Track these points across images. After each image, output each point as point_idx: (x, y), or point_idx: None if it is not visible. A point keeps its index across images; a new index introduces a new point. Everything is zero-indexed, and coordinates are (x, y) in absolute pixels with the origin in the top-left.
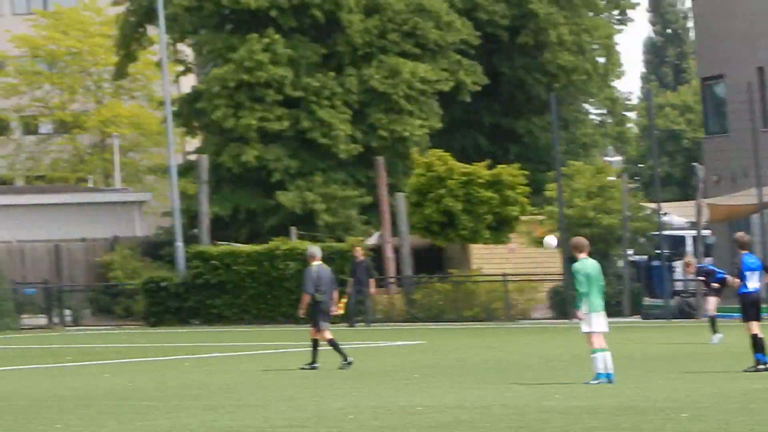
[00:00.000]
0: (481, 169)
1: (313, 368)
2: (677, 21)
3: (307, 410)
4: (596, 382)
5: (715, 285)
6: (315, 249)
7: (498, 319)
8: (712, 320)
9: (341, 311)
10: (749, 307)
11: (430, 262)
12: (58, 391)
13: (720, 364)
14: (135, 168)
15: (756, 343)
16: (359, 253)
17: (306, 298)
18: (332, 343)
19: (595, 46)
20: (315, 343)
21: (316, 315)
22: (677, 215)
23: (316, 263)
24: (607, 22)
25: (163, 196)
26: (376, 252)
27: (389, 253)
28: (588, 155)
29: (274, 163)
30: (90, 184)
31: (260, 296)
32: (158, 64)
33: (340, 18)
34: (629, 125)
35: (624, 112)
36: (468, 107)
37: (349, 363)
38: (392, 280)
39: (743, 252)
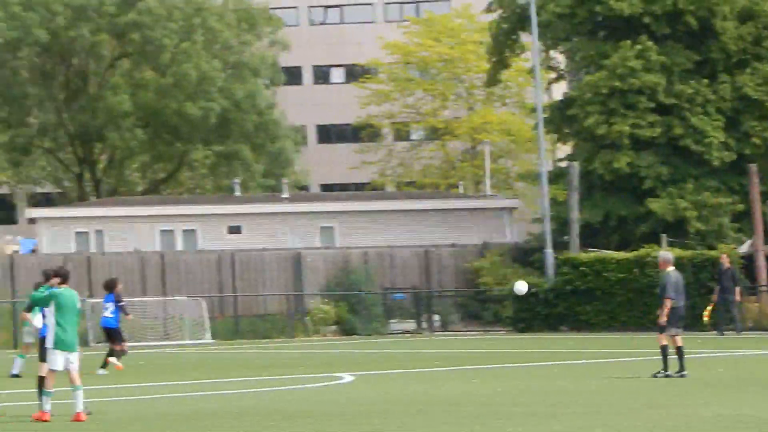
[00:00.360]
0: None
1: (667, 376)
2: None
3: (677, 419)
4: None
5: None
6: (669, 255)
7: None
8: None
9: (707, 318)
10: None
11: None
12: (426, 396)
13: None
14: (505, 175)
15: None
16: (725, 261)
17: (668, 303)
18: (680, 351)
19: None
20: (664, 350)
21: (669, 321)
22: None
23: (672, 269)
24: None
25: (533, 202)
26: (747, 260)
27: (761, 262)
28: None
29: (645, 170)
30: (460, 191)
31: (630, 303)
32: (530, 71)
33: (714, 25)
34: None
35: None
36: None
37: (683, 376)
38: (764, 288)
39: None
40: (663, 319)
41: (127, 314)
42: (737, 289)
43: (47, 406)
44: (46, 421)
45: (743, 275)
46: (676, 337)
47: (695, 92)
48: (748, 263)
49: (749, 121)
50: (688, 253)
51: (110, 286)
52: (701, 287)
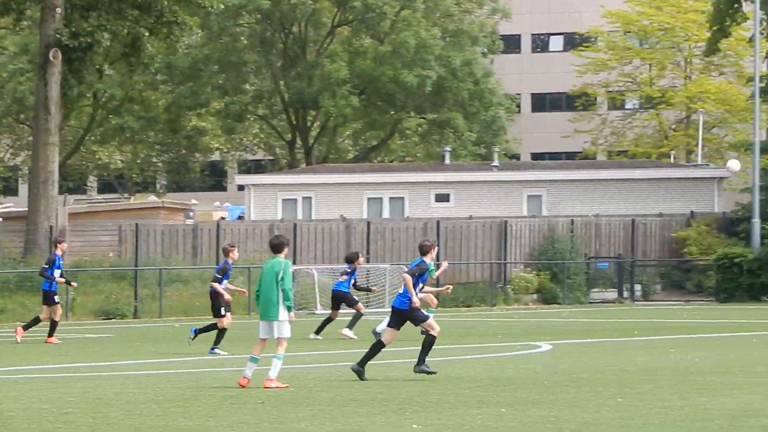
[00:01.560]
0: None
1: None
2: None
3: None
4: None
5: None
6: None
7: None
8: None
9: None
10: None
11: None
12: (622, 365)
13: None
14: (717, 144)
15: None
16: None
17: None
18: None
19: None
20: None
21: None
22: None
23: None
24: None
25: (744, 172)
26: None
27: None
28: None
29: None
30: (671, 160)
31: None
32: (750, 40)
33: None
34: None
35: None
36: None
37: None
38: None
39: None
40: None
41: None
42: None
43: (248, 372)
44: (242, 386)
45: None
46: None
47: None
48: None
49: None
50: None
51: (350, 260)
52: None
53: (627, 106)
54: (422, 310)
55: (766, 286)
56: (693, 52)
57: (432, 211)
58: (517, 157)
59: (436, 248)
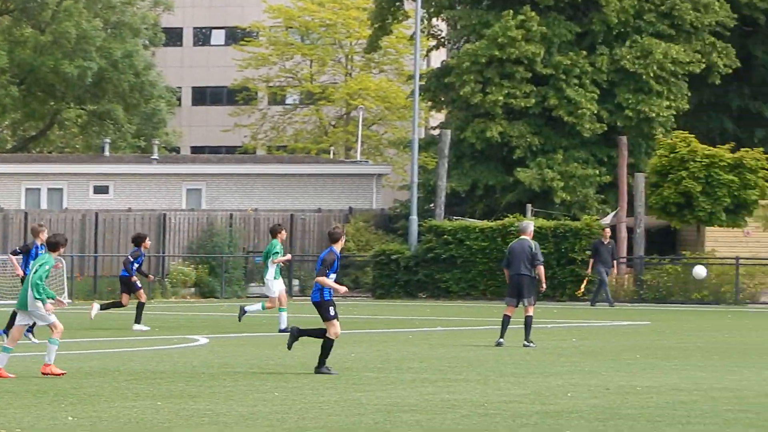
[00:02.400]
0: (723, 152)
1: (498, 344)
2: None
3: (526, 387)
4: None
5: None
6: (523, 224)
7: (726, 302)
8: None
9: (581, 292)
10: None
11: (663, 243)
12: (279, 360)
13: None
14: (377, 141)
15: None
16: (607, 235)
17: (506, 273)
18: (527, 321)
19: None
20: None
21: (508, 290)
22: None
23: (520, 238)
24: None
25: (403, 169)
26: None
27: (623, 233)
28: None
29: (516, 139)
30: (331, 156)
31: (490, 272)
32: (411, 38)
33: None
34: None
35: None
36: (717, 90)
37: (527, 346)
38: (624, 260)
39: None
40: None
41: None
42: (615, 263)
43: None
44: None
45: None
46: (528, 307)
47: (572, 63)
48: (611, 235)
49: (624, 93)
50: (551, 223)
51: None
52: (561, 257)
53: (288, 102)
54: (331, 309)
55: (423, 283)
56: (354, 49)
57: (91, 203)
58: (177, 150)
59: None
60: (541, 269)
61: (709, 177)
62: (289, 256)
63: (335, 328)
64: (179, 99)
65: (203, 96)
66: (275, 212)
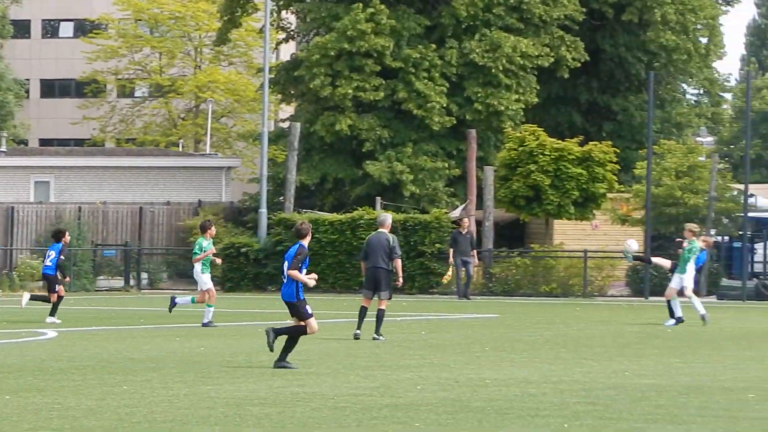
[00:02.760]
0: (572, 146)
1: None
2: None
3: (376, 380)
4: None
5: None
6: (381, 217)
7: (574, 295)
8: None
9: (446, 280)
10: None
11: (513, 236)
12: (128, 354)
13: None
14: (226, 134)
15: None
16: (466, 225)
17: (362, 266)
18: (378, 314)
19: (698, 26)
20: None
21: (363, 283)
22: (764, 197)
23: (378, 231)
24: (713, 2)
25: (252, 162)
26: (457, 224)
27: (472, 226)
28: (681, 135)
29: (366, 132)
30: (180, 149)
31: (339, 265)
32: (260, 31)
33: None
34: (725, 106)
35: (721, 93)
36: (566, 83)
37: (376, 339)
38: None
39: None
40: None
41: None
42: (474, 253)
43: None
44: None
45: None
46: (382, 300)
47: (422, 57)
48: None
49: (473, 87)
50: (401, 216)
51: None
52: (411, 250)
53: (137, 94)
54: (308, 307)
55: (272, 276)
56: (203, 41)
57: None
58: (25, 142)
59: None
60: (398, 263)
61: (557, 170)
62: (213, 250)
63: (314, 325)
64: (27, 91)
65: (52, 88)
66: (124, 205)
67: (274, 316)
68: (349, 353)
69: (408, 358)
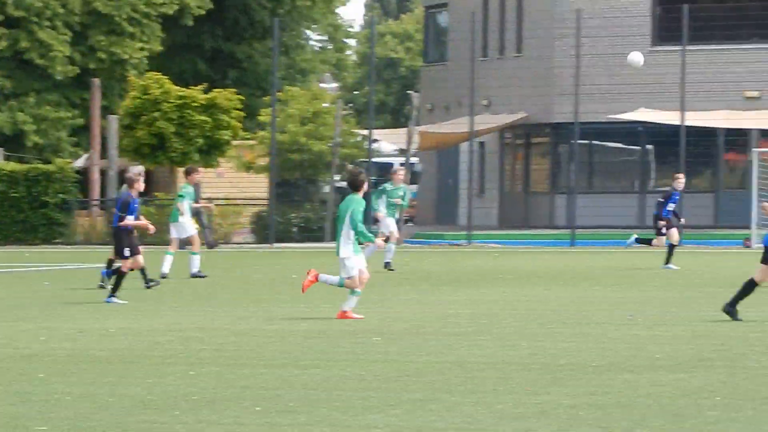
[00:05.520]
0: (196, 93)
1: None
2: None
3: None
4: None
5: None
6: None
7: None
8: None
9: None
10: None
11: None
12: None
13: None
14: None
15: None
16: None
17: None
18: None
19: None
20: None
21: None
22: (388, 142)
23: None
24: None
25: None
26: (83, 174)
27: (96, 176)
28: (306, 81)
29: None
30: None
31: None
32: None
33: None
34: (348, 52)
35: (345, 39)
36: (190, 31)
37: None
38: (96, 203)
39: None
40: None
41: None
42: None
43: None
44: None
45: (79, 190)
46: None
47: (44, 6)
48: (84, 177)
49: (96, 35)
50: (24, 167)
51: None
52: (34, 201)
53: None
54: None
55: None
56: None
57: None
58: None
59: None
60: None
61: (182, 118)
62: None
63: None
64: None
65: None
66: None
67: None
68: None
69: (31, 311)
